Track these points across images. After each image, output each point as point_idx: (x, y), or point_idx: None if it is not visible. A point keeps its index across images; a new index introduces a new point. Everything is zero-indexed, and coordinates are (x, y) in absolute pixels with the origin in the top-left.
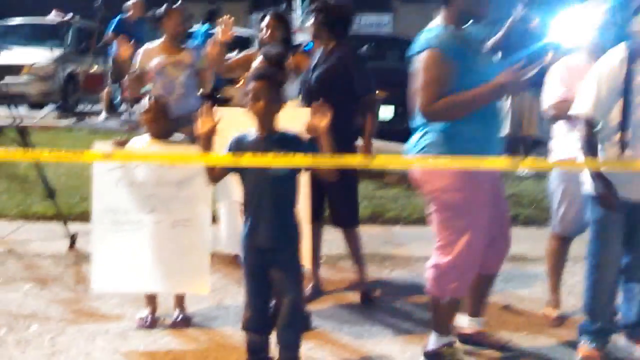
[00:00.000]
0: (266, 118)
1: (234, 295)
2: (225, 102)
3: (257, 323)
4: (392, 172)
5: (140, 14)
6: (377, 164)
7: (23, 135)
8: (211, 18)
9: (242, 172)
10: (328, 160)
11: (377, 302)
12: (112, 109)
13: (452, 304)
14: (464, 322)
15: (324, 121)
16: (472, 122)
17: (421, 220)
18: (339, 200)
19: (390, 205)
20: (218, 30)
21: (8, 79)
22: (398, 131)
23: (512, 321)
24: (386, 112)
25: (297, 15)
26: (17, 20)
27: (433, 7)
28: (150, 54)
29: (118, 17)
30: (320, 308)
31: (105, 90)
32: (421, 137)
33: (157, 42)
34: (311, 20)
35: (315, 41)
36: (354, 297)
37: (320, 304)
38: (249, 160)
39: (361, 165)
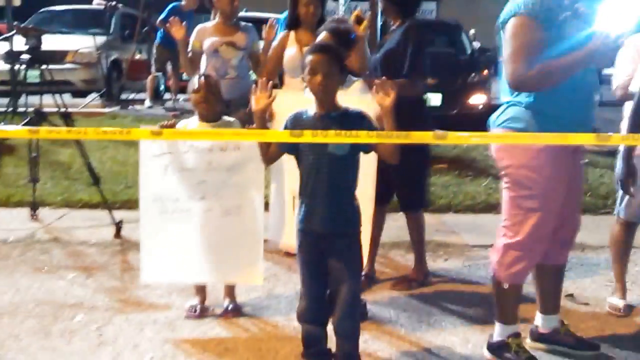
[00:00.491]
0: (325, 94)
1: (285, 283)
2: None
3: (314, 314)
4: (442, 159)
5: (194, 6)
6: (448, 140)
7: (67, 122)
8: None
9: (299, 151)
10: (396, 138)
11: (434, 292)
12: (156, 96)
13: (515, 290)
14: (538, 320)
15: (387, 99)
16: (560, 98)
17: (472, 208)
18: (409, 183)
19: (441, 192)
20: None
21: (52, 66)
22: (446, 118)
23: (576, 311)
24: (434, 99)
25: (341, 2)
26: (61, 7)
27: None
28: (204, 34)
29: (172, 5)
30: (375, 298)
31: (150, 77)
32: (504, 110)
33: (211, 23)
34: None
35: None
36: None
37: (375, 293)
38: (309, 138)
39: (433, 142)
